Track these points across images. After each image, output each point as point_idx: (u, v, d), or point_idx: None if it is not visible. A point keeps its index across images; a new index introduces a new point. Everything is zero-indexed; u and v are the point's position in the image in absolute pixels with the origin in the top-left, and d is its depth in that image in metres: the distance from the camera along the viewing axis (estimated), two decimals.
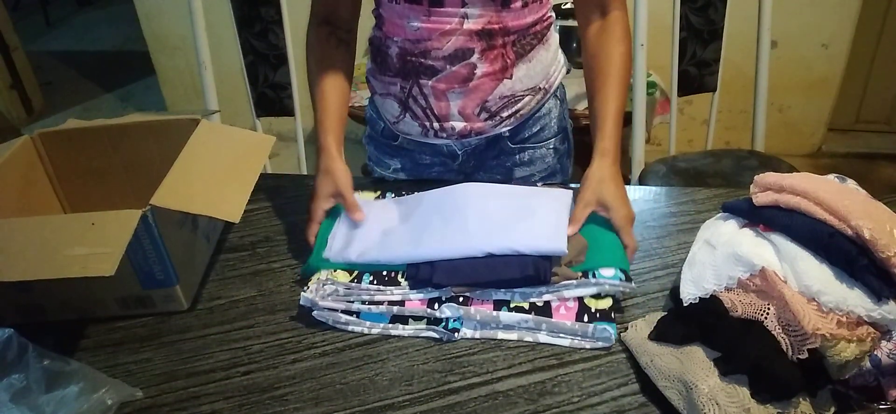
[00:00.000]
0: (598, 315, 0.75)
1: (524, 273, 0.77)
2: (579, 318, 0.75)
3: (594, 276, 0.77)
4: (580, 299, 0.77)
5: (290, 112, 1.66)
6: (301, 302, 0.80)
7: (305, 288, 0.81)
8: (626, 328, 0.74)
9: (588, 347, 0.74)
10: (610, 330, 0.73)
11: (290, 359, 0.75)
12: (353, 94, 1.90)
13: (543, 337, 0.75)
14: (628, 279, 0.77)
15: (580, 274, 0.78)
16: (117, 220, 0.72)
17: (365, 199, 0.98)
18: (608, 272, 0.77)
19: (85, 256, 0.68)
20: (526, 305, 0.77)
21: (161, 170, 0.79)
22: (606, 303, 0.76)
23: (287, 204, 1.05)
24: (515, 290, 0.78)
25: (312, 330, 0.79)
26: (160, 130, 0.97)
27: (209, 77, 1.64)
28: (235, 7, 1.55)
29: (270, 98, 1.65)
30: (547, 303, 0.77)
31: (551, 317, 0.75)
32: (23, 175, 0.94)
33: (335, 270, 0.83)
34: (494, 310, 0.77)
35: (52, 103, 3.65)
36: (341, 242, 0.87)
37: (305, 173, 1.65)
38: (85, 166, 0.99)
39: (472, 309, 0.76)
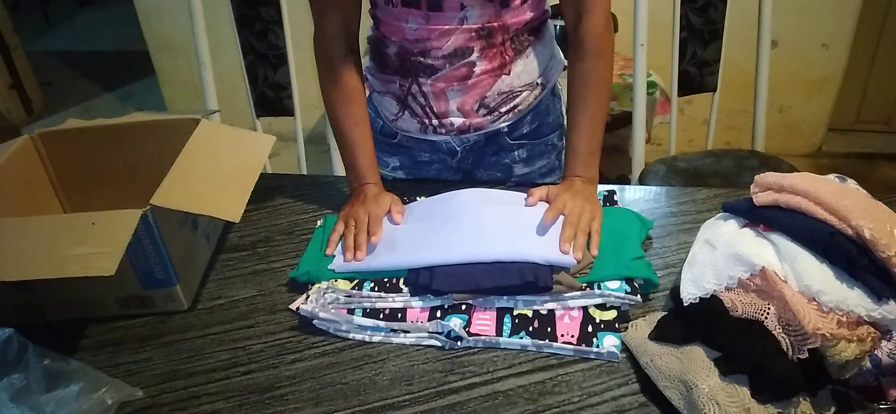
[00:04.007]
0: (602, 326, 0.74)
1: (524, 279, 0.76)
2: (583, 327, 0.74)
3: (599, 287, 0.77)
4: (584, 309, 0.76)
5: (290, 112, 1.65)
6: (300, 313, 0.79)
7: (306, 298, 0.80)
8: (627, 328, 0.74)
9: (592, 357, 0.73)
10: (615, 349, 0.72)
11: (290, 359, 0.75)
12: None
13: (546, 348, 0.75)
14: (635, 292, 0.76)
15: (584, 285, 0.77)
16: (117, 220, 0.72)
17: None
18: (613, 284, 0.77)
19: (85, 255, 0.68)
20: (529, 313, 0.76)
21: (161, 170, 0.79)
22: (611, 314, 0.75)
23: (287, 204, 1.05)
24: (518, 297, 0.77)
25: (312, 330, 0.79)
26: (160, 130, 0.97)
27: (209, 77, 1.63)
28: (235, 7, 1.55)
29: (270, 98, 1.65)
30: (551, 311, 0.77)
31: (555, 324, 0.75)
32: (23, 175, 0.94)
33: (336, 279, 0.82)
34: (497, 317, 0.76)
35: (52, 103, 3.65)
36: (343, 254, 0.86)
37: (305, 173, 1.65)
38: (85, 166, 0.99)
39: (474, 321, 0.76)
